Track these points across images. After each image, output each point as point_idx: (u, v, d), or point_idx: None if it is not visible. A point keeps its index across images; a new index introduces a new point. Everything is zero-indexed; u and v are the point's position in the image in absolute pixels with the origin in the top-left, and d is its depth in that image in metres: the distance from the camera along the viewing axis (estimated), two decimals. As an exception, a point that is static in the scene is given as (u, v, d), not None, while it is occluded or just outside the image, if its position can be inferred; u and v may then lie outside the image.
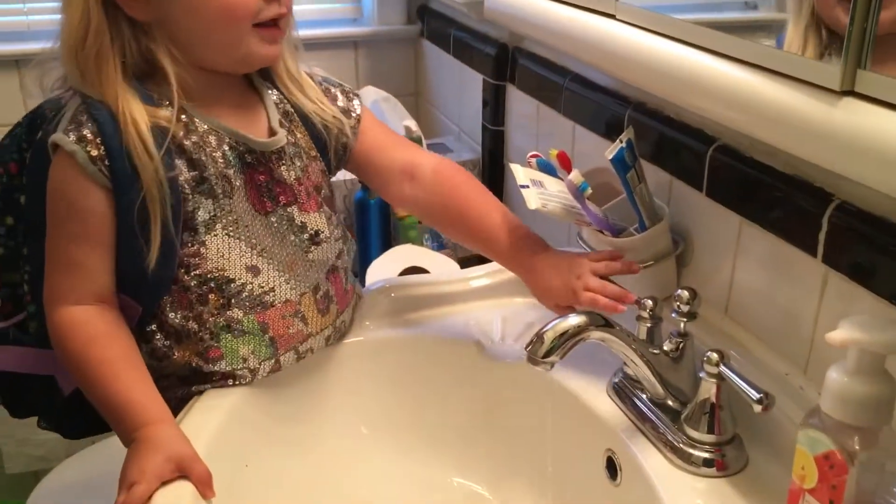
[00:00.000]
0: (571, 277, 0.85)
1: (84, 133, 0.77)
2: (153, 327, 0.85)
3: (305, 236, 0.88)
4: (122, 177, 0.78)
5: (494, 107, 1.44)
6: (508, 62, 1.38)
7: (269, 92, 0.90)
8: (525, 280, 0.91)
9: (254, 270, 0.85)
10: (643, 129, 0.97)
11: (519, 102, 1.37)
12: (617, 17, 0.93)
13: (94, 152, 0.77)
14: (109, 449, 1.30)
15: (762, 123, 0.70)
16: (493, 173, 1.48)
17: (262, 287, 0.86)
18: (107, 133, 0.77)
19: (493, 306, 1.05)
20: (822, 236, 0.72)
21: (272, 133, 0.87)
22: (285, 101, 0.91)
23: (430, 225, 1.02)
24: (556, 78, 1.21)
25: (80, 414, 0.88)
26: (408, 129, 1.33)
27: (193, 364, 0.85)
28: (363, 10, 1.87)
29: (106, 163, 0.77)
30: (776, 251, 0.79)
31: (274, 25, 0.82)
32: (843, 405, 0.57)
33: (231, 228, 0.84)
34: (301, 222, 0.88)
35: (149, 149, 0.77)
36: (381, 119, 1.41)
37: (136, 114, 0.78)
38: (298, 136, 0.90)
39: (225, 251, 0.84)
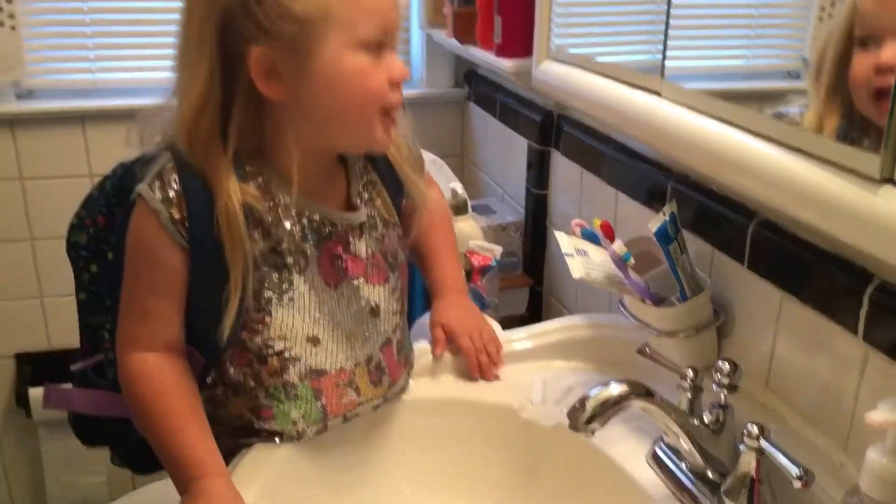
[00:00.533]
0: (471, 325, 1.04)
1: (169, 193, 0.81)
2: (214, 377, 0.88)
3: (367, 309, 0.92)
4: (200, 243, 0.81)
5: (538, 171, 1.47)
6: (553, 128, 1.42)
7: (357, 158, 0.93)
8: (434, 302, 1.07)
9: (314, 341, 0.88)
10: (685, 199, 0.99)
11: (563, 168, 1.40)
12: (662, 94, 0.96)
13: (177, 215, 0.81)
14: (151, 495, 1.33)
15: (802, 205, 0.72)
16: (536, 236, 1.50)
17: (320, 356, 0.89)
18: (193, 200, 0.80)
19: (535, 369, 1.06)
20: (862, 314, 0.73)
21: (350, 201, 0.91)
22: (370, 169, 0.94)
23: None
24: (599, 146, 1.24)
25: (153, 453, 0.89)
26: (454, 192, 1.37)
27: (245, 418, 0.88)
28: (412, 73, 1.93)
29: (186, 225, 0.81)
30: (817, 326, 0.80)
31: (391, 116, 0.85)
32: (883, 485, 0.58)
33: (298, 301, 0.87)
34: (365, 296, 0.91)
35: (240, 230, 0.81)
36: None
37: (233, 192, 0.80)
38: (378, 203, 0.94)
39: (289, 321, 0.87)
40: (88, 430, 1.01)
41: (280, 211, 0.85)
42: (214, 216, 0.80)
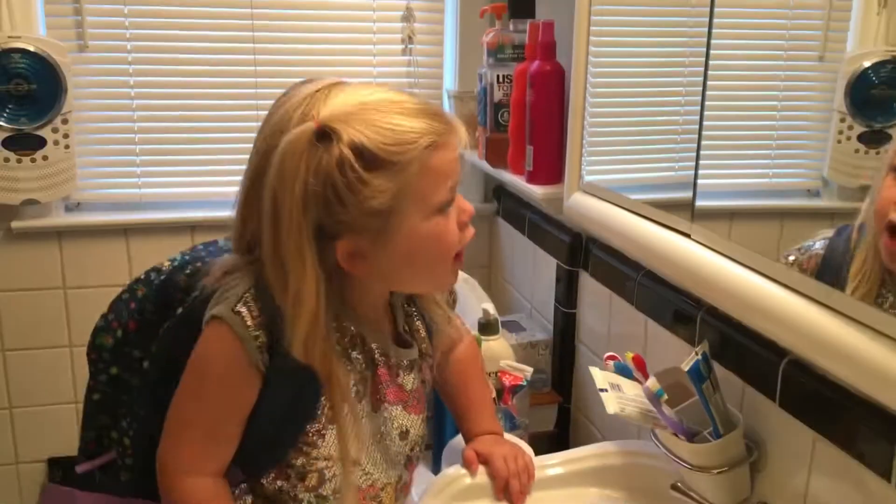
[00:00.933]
0: (507, 450, 1.04)
1: (256, 320, 0.82)
2: (246, 488, 0.90)
3: (397, 432, 0.95)
4: (280, 373, 0.84)
5: (567, 290, 1.51)
6: (582, 251, 1.46)
7: (399, 293, 0.98)
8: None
9: (355, 463, 0.91)
10: (716, 331, 1.02)
11: (591, 288, 1.43)
12: (692, 236, 1.00)
13: (261, 342, 0.83)
14: None
15: (829, 357, 0.75)
16: (565, 353, 1.53)
17: (356, 476, 0.91)
18: (277, 335, 0.82)
19: (568, 496, 1.07)
20: (895, 463, 0.74)
21: (397, 332, 0.96)
22: (410, 303, 0.99)
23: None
24: (628, 271, 1.27)
25: None
26: (486, 311, 1.40)
27: None
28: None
29: (269, 354, 0.83)
30: (850, 470, 0.81)
31: (461, 257, 0.90)
32: None
33: (349, 426, 0.89)
34: (400, 422, 0.95)
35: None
36: (459, 300, 1.49)
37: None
38: (418, 336, 0.99)
39: (338, 444, 0.89)
40: None
41: (348, 341, 0.89)
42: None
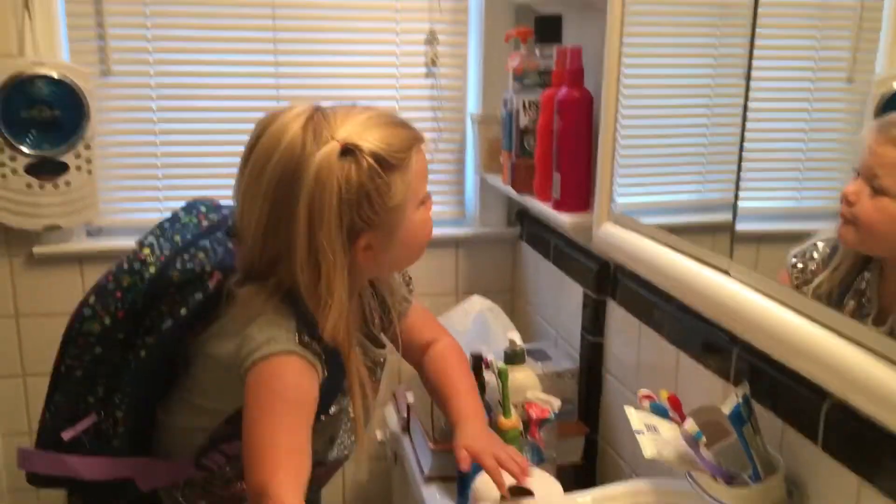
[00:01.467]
0: (494, 446, 1.09)
1: (314, 347, 0.94)
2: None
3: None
4: (329, 383, 0.97)
5: (594, 319, 1.48)
6: (609, 279, 1.43)
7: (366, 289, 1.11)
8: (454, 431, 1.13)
9: (331, 440, 1.08)
10: (751, 367, 0.99)
11: (620, 318, 1.41)
12: (731, 273, 0.98)
13: (322, 366, 0.95)
14: None
15: (872, 401, 0.72)
16: (592, 383, 1.50)
17: (330, 454, 1.08)
18: (330, 357, 0.96)
19: (599, 535, 1.05)
20: (950, 518, 0.72)
21: (367, 328, 1.10)
22: (374, 294, 1.12)
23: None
24: (659, 303, 1.24)
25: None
26: (512, 342, 1.37)
27: (240, 485, 1.05)
28: (466, 212, 1.98)
29: (326, 372, 0.96)
30: (900, 521, 0.78)
31: None
32: None
33: (359, 397, 1.02)
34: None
35: (367, 390, 1.03)
36: (484, 329, 1.48)
37: (362, 373, 1.01)
38: (379, 327, 1.14)
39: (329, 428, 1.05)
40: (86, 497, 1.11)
41: None
42: (342, 373, 0.99)
